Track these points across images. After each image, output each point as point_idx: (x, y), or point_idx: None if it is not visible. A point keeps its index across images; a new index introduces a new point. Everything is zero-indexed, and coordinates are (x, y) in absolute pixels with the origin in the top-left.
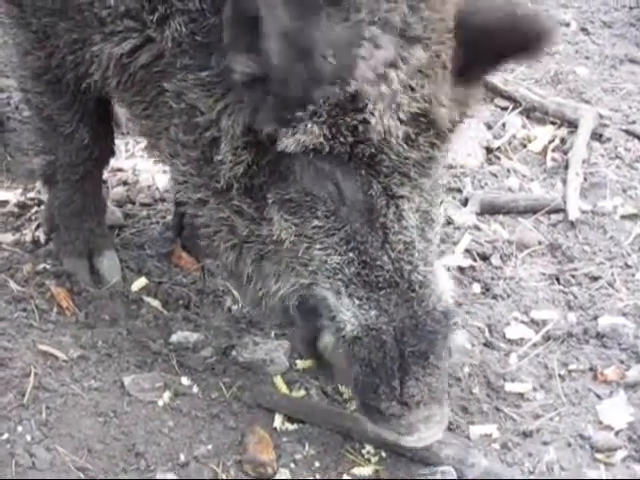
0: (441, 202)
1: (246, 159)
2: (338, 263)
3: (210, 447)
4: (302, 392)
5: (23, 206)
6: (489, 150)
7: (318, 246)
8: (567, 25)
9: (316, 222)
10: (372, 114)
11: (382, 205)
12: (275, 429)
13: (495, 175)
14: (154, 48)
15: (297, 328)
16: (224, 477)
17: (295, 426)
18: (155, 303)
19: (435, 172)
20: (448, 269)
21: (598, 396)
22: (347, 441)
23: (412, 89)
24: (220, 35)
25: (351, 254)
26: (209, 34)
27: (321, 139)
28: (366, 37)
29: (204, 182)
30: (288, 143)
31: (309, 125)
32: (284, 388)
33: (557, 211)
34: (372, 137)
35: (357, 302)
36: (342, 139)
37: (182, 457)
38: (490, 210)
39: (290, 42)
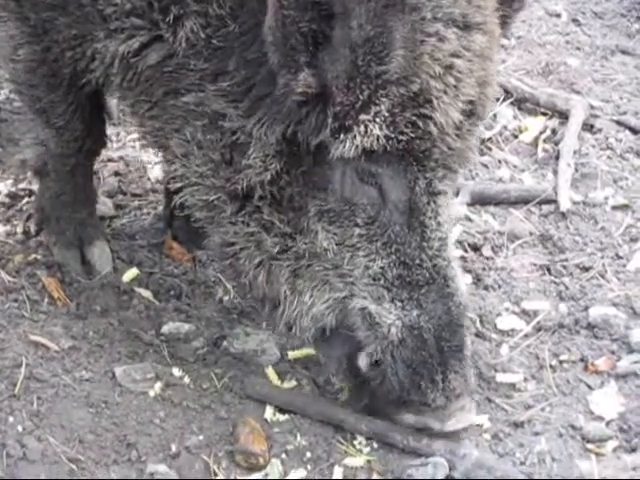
0: None
1: (275, 167)
2: (381, 268)
3: (201, 438)
4: (294, 382)
5: (14, 197)
6: (480, 141)
7: (361, 254)
8: (558, 16)
9: (357, 230)
10: (435, 108)
11: (424, 203)
12: (266, 420)
13: (486, 166)
14: (164, 48)
15: (332, 349)
16: (215, 468)
17: (286, 417)
18: (146, 294)
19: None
20: None
21: (589, 386)
22: (339, 432)
23: (472, 74)
24: (238, 41)
25: (393, 257)
26: (226, 39)
27: (382, 140)
28: (431, 33)
29: (220, 185)
30: (345, 150)
31: (370, 127)
32: (276, 379)
33: (548, 202)
34: (432, 130)
35: (399, 304)
36: (401, 136)
37: (173, 448)
38: (481, 201)
39: (369, 46)
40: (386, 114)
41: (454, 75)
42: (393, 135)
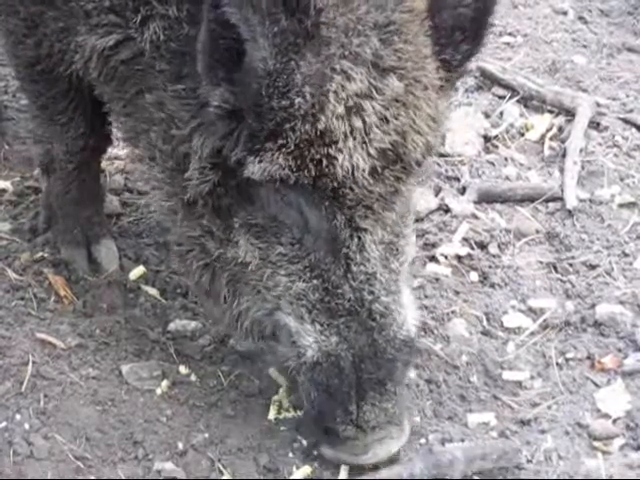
0: (409, 233)
1: (212, 179)
2: (302, 289)
3: (208, 435)
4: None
5: (21, 194)
6: (487, 139)
7: (282, 272)
8: (565, 14)
9: (281, 248)
10: (340, 150)
11: (345, 236)
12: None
13: (493, 164)
14: (134, 47)
15: (269, 353)
16: (221, 465)
17: (292, 414)
18: (153, 291)
19: (400, 206)
20: (446, 257)
21: (596, 384)
22: None
23: (387, 121)
24: (194, 46)
25: (315, 281)
26: (184, 43)
27: (287, 170)
28: (337, 70)
29: (175, 192)
30: (254, 170)
31: (275, 155)
32: (280, 379)
33: (555, 200)
34: (337, 172)
35: (318, 328)
36: (306, 172)
37: (180, 445)
38: (488, 199)
39: (272, 80)
40: (292, 147)
41: (362, 118)
42: (298, 169)
